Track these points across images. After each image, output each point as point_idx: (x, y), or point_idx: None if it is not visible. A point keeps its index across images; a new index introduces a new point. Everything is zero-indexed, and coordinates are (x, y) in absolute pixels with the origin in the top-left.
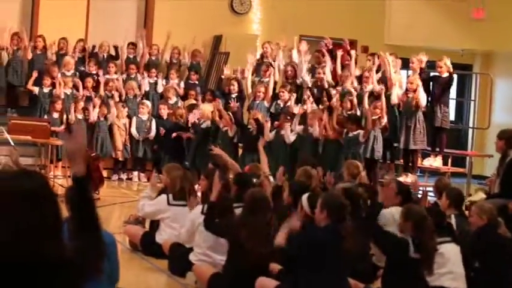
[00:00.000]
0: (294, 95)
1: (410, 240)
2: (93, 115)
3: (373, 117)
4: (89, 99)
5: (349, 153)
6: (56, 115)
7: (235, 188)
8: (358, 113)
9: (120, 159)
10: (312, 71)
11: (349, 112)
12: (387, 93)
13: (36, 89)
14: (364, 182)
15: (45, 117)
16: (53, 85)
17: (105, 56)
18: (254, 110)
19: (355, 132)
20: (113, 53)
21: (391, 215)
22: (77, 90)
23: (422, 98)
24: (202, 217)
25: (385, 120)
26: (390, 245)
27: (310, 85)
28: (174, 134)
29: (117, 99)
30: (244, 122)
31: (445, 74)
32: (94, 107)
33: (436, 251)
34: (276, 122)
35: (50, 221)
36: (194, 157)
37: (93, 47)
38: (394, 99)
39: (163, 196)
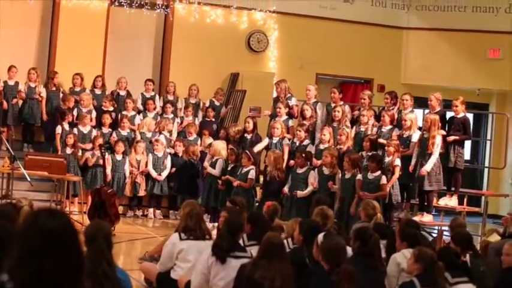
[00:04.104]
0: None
1: (416, 280)
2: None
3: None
4: (106, 136)
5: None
6: (69, 150)
7: (248, 227)
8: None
9: (129, 195)
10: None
11: (370, 153)
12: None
13: (58, 129)
14: (380, 223)
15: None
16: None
17: (121, 94)
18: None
19: (375, 174)
20: (130, 90)
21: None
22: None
23: (438, 138)
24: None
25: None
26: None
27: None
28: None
29: (138, 136)
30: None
31: (461, 114)
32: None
33: None
34: (292, 161)
35: (73, 261)
36: (208, 195)
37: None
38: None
39: (175, 234)
